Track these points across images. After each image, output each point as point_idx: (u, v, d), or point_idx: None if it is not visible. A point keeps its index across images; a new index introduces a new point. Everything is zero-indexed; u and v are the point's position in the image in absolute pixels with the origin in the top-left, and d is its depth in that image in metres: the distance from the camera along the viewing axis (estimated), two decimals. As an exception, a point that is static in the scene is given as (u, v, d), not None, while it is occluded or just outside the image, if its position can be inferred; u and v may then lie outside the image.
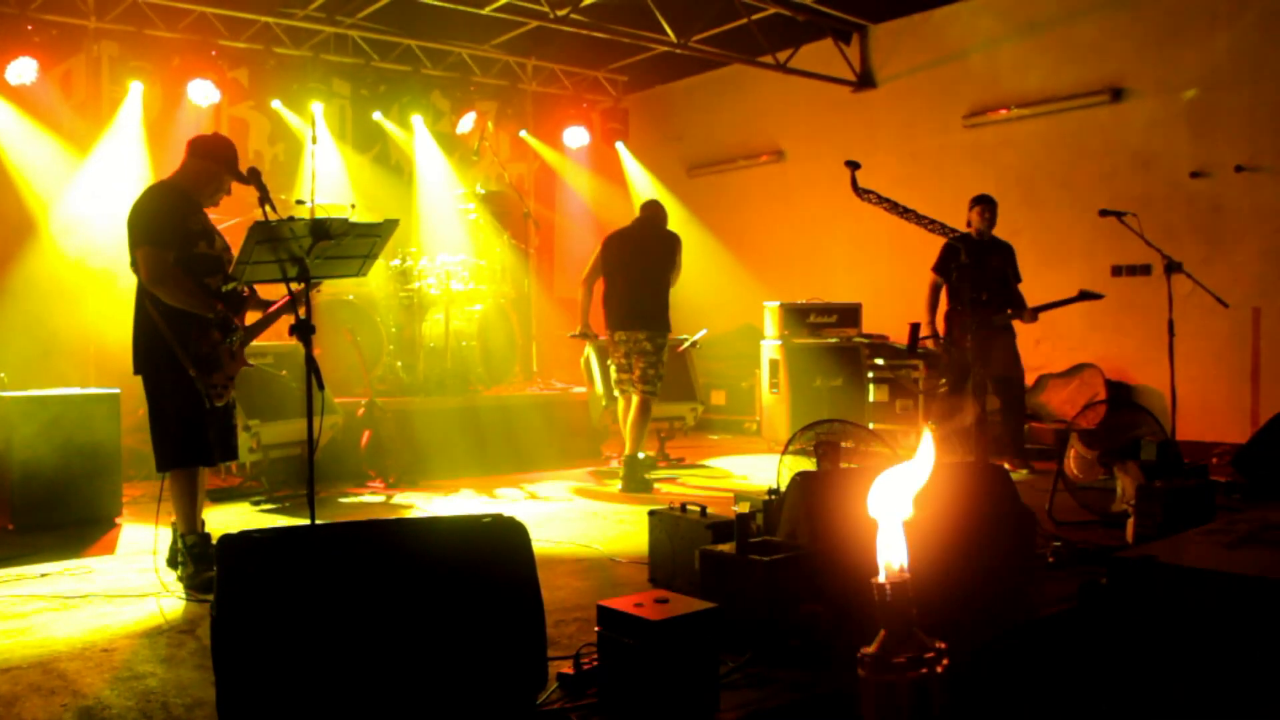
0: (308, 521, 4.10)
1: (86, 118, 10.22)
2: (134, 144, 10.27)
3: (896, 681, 2.03)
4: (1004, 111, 10.51)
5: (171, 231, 4.82)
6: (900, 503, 2.16)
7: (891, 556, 2.12)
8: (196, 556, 4.88)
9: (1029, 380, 9.98)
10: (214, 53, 10.35)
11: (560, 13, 10.01)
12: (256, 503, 7.16)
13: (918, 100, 11.34)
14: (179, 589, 4.82)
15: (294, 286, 4.31)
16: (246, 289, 4.98)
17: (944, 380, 8.58)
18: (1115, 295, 9.56)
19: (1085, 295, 7.79)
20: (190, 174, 5.04)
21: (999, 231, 8.48)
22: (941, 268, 8.45)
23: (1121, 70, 9.67)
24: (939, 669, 2.04)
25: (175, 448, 4.92)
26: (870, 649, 2.06)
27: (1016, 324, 8.32)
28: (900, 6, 11.12)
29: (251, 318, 5.08)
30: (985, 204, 8.37)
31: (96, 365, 9.14)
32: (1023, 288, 8.51)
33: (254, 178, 4.77)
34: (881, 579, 2.10)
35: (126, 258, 4.91)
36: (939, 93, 11.11)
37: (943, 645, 2.07)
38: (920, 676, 2.03)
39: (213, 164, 5.02)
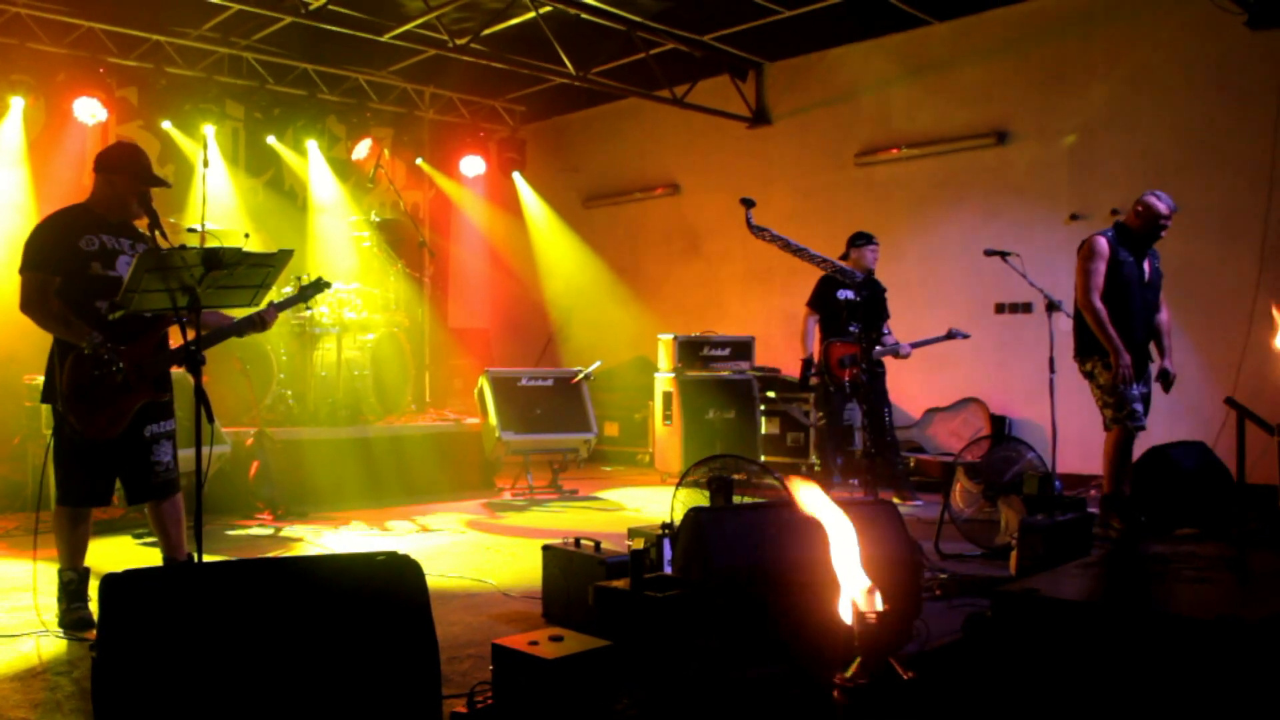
0: (194, 556, 4.01)
1: (-38, 133, 9.89)
2: (13, 162, 9.95)
3: (867, 705, 2.12)
4: (895, 151, 10.78)
5: (51, 254, 4.64)
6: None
7: (864, 588, 2.21)
8: (71, 594, 4.73)
9: (917, 414, 10.22)
10: (102, 70, 10.07)
11: (460, 42, 10.01)
12: (139, 536, 6.95)
13: (811, 138, 11.56)
14: (54, 628, 4.66)
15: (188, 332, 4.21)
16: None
17: (821, 414, 8.73)
18: (999, 332, 9.87)
19: (953, 334, 8.71)
20: (95, 191, 4.85)
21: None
22: (816, 302, 8.63)
23: (1006, 114, 10.01)
24: (908, 694, 2.14)
25: (56, 482, 4.76)
26: (846, 674, 2.15)
27: (889, 360, 8.59)
28: (795, 46, 11.34)
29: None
30: (876, 244, 8.55)
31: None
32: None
33: (144, 203, 4.66)
34: (861, 608, 2.19)
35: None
36: (832, 131, 11.35)
37: (911, 675, 2.16)
38: (889, 701, 2.13)
39: (113, 176, 4.79)
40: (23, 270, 4.66)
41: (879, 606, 2.22)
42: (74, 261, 4.67)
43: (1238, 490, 6.01)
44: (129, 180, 4.80)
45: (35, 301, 4.62)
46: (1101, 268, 6.69)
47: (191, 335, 4.22)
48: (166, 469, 4.90)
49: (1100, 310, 6.63)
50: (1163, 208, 6.68)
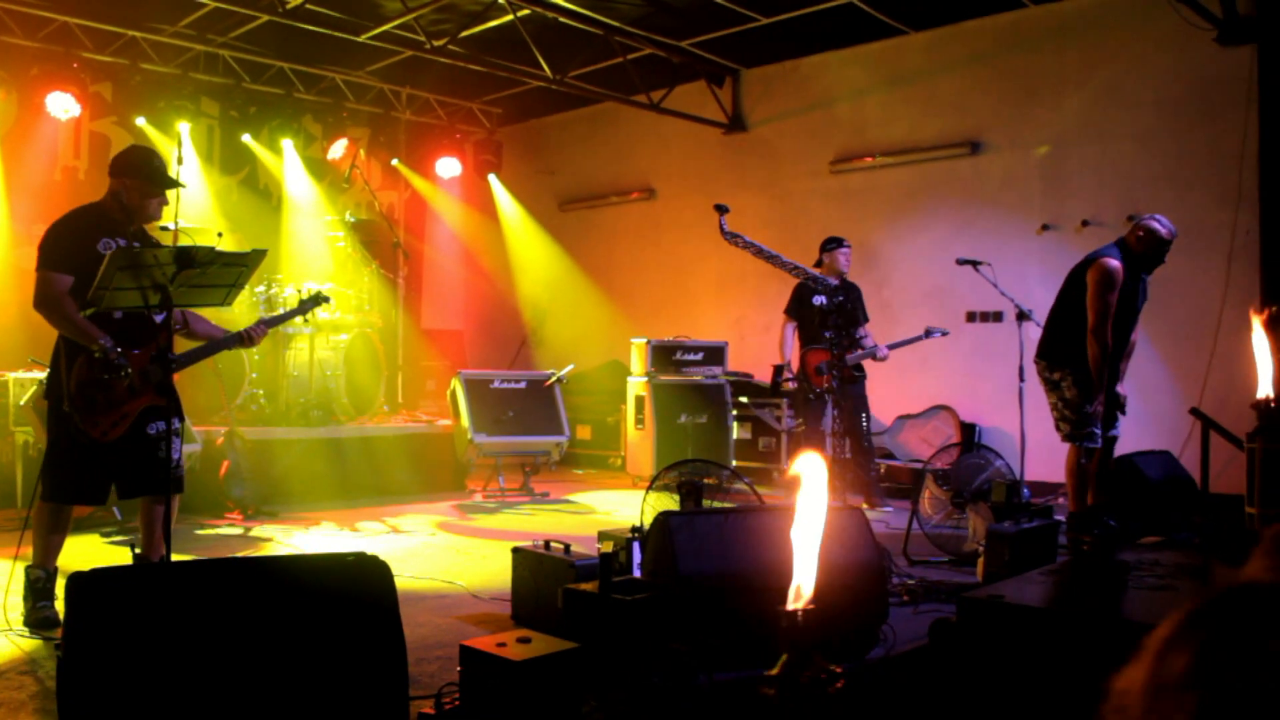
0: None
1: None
2: (-17, 155, 9.90)
3: (797, 701, 2.13)
4: (869, 159, 10.84)
5: (66, 254, 4.62)
6: (812, 533, 2.28)
7: (801, 585, 2.23)
8: (38, 592, 4.70)
9: (888, 421, 10.28)
10: (76, 65, 9.99)
11: (437, 43, 10.00)
12: (107, 534, 6.91)
13: (787, 144, 11.62)
14: (18, 626, 4.62)
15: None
16: (178, 318, 4.75)
17: (800, 420, 8.77)
18: (969, 340, 9.94)
19: (930, 332, 8.60)
20: (108, 194, 4.83)
21: (864, 275, 8.74)
22: (793, 310, 8.68)
23: (980, 125, 10.09)
24: (834, 689, 2.16)
25: (43, 477, 4.74)
26: (774, 671, 2.17)
27: (868, 363, 8.63)
28: (771, 53, 11.39)
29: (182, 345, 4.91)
30: (848, 246, 8.60)
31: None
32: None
33: (115, 201, 4.66)
34: (790, 606, 2.21)
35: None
36: (808, 138, 11.41)
37: (839, 669, 2.19)
38: (819, 696, 2.14)
39: (127, 180, 4.76)
40: (39, 269, 4.65)
41: (806, 602, 2.26)
42: (90, 263, 4.58)
43: (1202, 499, 6.12)
44: (144, 185, 4.78)
45: (49, 301, 4.60)
46: (1115, 298, 6.43)
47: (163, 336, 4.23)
48: (178, 465, 4.87)
49: (1110, 346, 6.43)
50: (1164, 233, 6.48)
